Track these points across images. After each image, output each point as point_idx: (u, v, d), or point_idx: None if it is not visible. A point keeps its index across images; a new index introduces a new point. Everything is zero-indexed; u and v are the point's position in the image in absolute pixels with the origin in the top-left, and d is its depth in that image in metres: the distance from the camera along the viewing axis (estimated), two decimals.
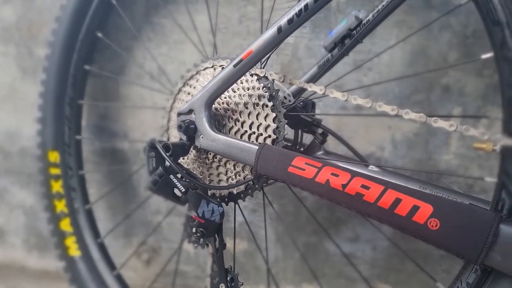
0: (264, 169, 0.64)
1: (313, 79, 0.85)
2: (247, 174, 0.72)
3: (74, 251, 0.99)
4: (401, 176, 0.73)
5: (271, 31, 0.63)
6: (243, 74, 0.66)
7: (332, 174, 0.59)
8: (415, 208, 0.54)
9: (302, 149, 0.84)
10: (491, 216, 0.51)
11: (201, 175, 0.78)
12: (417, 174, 0.97)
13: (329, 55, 0.82)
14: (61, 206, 1.01)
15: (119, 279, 0.98)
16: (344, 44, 0.80)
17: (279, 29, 0.62)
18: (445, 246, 0.53)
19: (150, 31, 1.07)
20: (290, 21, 0.61)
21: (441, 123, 0.56)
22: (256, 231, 1.14)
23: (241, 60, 0.65)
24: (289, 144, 0.85)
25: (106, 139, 1.17)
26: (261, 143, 0.65)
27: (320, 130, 0.82)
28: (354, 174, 0.58)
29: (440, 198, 0.55)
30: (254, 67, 0.71)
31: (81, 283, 0.97)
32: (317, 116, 0.84)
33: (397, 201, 0.55)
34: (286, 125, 0.72)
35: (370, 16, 0.77)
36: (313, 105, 0.83)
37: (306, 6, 0.60)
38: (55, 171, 1.01)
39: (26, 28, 1.16)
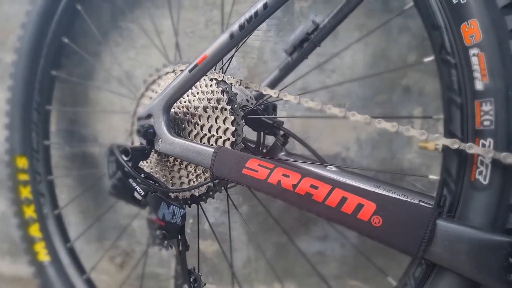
0: (220, 171, 0.65)
1: (275, 82, 0.87)
2: (208, 177, 0.73)
3: (44, 256, 0.99)
4: (357, 176, 0.76)
5: (223, 37, 0.64)
6: (199, 78, 0.68)
7: (283, 175, 0.61)
8: (360, 206, 0.56)
9: (264, 150, 0.86)
10: (429, 212, 0.53)
11: (164, 178, 0.79)
12: (376, 173, 1.00)
13: (289, 58, 0.84)
14: (29, 211, 1.01)
15: (89, 283, 0.99)
16: (303, 47, 0.82)
17: (231, 35, 0.64)
18: (388, 242, 0.55)
19: (117, 36, 1.08)
20: (241, 27, 0.63)
21: (384, 124, 0.58)
22: (227, 232, 1.15)
23: (196, 65, 0.66)
24: (252, 145, 0.86)
25: (76, 143, 1.17)
26: (217, 146, 0.67)
27: (281, 132, 0.84)
28: (304, 174, 0.60)
29: (383, 195, 0.57)
30: (213, 71, 0.73)
31: None
32: (279, 119, 0.86)
33: (343, 199, 0.57)
34: (249, 128, 0.74)
35: (326, 21, 0.79)
36: (274, 108, 0.85)
37: (256, 13, 0.62)
38: (23, 177, 1.01)
39: None
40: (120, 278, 1.25)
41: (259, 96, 0.85)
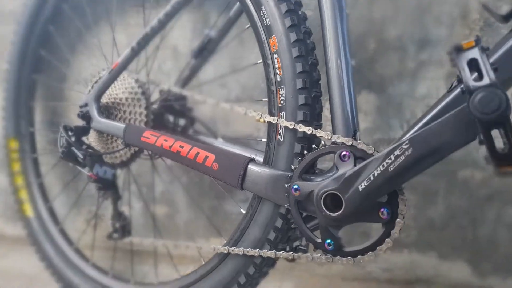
0: (129, 139, 0.97)
1: (188, 79, 1.19)
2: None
3: (30, 212, 1.34)
4: (237, 144, 1.07)
5: (127, 51, 0.97)
6: (116, 78, 1.00)
7: (164, 140, 0.92)
8: (206, 157, 0.87)
9: (179, 129, 1.18)
10: (243, 159, 0.84)
11: (103, 149, 1.12)
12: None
13: (195, 61, 1.16)
14: (19, 180, 1.35)
15: (62, 232, 1.33)
16: (203, 54, 1.13)
17: (133, 49, 0.96)
18: (223, 180, 0.86)
19: (83, 47, 1.42)
20: (138, 44, 0.95)
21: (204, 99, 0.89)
22: (172, 198, 1.48)
23: (112, 69, 0.99)
24: (171, 125, 1.18)
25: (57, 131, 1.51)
26: (127, 123, 0.99)
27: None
28: (177, 139, 0.91)
29: (220, 149, 0.88)
30: (133, 73, 1.05)
31: (34, 236, 1.32)
32: (189, 107, 1.18)
33: (197, 153, 0.88)
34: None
35: (215, 34, 1.10)
36: (183, 98, 1.17)
37: (147, 33, 0.94)
38: (15, 155, 1.36)
39: None
40: (95, 236, 1.58)
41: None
